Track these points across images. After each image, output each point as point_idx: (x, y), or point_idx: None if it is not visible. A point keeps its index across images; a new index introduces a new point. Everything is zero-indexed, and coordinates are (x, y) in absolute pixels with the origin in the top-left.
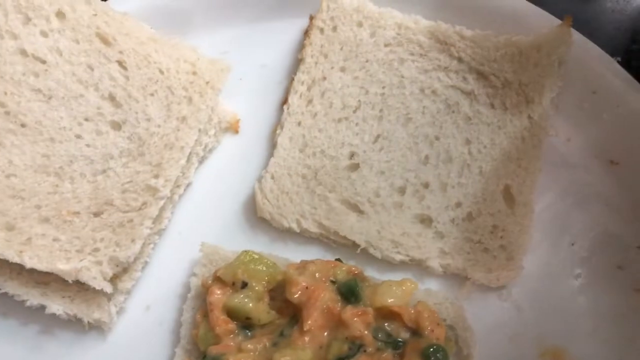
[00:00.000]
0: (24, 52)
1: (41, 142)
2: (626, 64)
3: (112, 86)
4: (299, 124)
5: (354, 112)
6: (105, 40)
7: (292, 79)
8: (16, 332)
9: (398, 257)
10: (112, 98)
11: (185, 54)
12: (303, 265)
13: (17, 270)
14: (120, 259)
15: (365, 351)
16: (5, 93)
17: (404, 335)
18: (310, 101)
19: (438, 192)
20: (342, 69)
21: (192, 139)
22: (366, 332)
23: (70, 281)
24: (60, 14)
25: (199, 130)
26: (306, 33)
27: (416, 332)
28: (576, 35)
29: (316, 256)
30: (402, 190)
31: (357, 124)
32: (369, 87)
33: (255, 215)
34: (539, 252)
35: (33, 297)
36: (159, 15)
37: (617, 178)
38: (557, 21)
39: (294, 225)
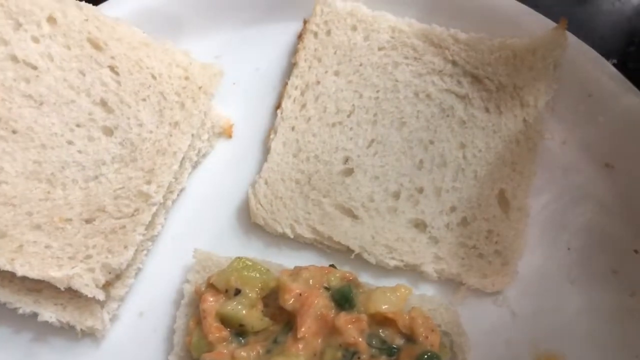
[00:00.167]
0: (14, 58)
1: (32, 148)
2: (622, 66)
3: (104, 92)
4: (293, 128)
5: (348, 116)
6: (96, 46)
7: (286, 83)
8: (9, 339)
9: (392, 263)
10: (104, 104)
11: (178, 58)
12: (297, 272)
13: (9, 278)
14: (113, 265)
15: (359, 358)
16: None
17: (399, 341)
18: (304, 105)
19: (432, 196)
20: (336, 73)
21: (184, 145)
22: (360, 338)
23: (62, 288)
24: (51, 20)
25: (192, 135)
26: (300, 37)
27: (410, 338)
28: (571, 38)
29: (310, 261)
30: (396, 195)
31: (351, 129)
32: (363, 91)
33: (249, 220)
34: (534, 256)
35: (25, 304)
36: (151, 20)
37: (613, 181)
38: (552, 24)
39: (288, 231)
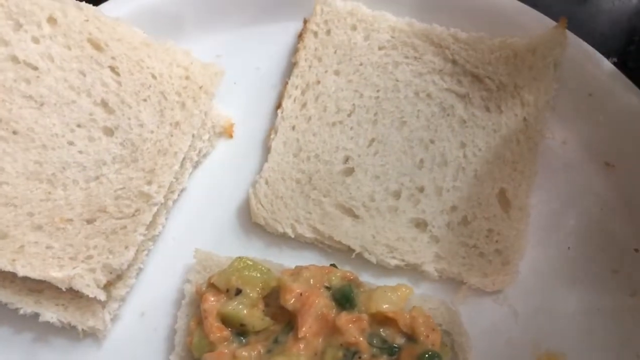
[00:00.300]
0: (15, 59)
1: (33, 149)
2: (622, 65)
3: (105, 92)
4: (293, 128)
5: (349, 116)
6: (97, 46)
7: (286, 83)
8: (10, 340)
9: (393, 262)
10: (104, 104)
11: (178, 58)
12: (297, 272)
13: (10, 278)
14: (114, 266)
15: (360, 357)
16: None
17: (399, 341)
18: (304, 105)
19: (433, 196)
20: (336, 73)
21: (185, 145)
22: (361, 338)
23: (63, 289)
24: (51, 20)
25: (193, 135)
26: (300, 37)
27: (411, 337)
28: (571, 37)
29: (311, 261)
30: (397, 195)
31: (351, 128)
32: (363, 90)
33: (249, 220)
34: (535, 256)
35: (26, 304)
36: (151, 20)
37: (613, 180)
38: (552, 23)
39: (289, 231)
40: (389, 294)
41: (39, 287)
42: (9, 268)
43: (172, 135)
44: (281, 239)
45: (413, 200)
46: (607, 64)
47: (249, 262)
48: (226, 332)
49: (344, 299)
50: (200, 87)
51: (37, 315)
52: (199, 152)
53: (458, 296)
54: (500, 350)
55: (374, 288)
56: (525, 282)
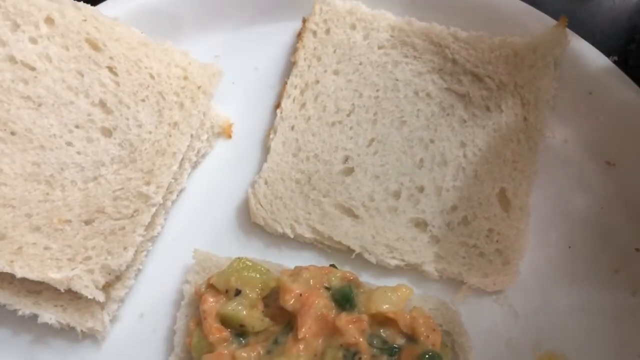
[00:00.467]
0: (12, 59)
1: (31, 150)
2: (623, 64)
3: (103, 92)
4: (292, 128)
5: (348, 115)
6: (95, 46)
7: (285, 83)
8: (9, 341)
9: (393, 262)
10: (102, 104)
11: (177, 58)
12: (297, 272)
13: (9, 280)
14: (113, 267)
15: (360, 358)
16: None
17: (400, 341)
18: (303, 105)
19: (433, 195)
20: (336, 72)
21: (184, 145)
22: (361, 338)
23: (62, 290)
24: (49, 20)
25: (191, 135)
26: (299, 36)
27: (412, 338)
28: (572, 36)
29: (311, 261)
30: (396, 194)
31: (351, 128)
32: (363, 90)
33: (249, 220)
34: (535, 255)
35: (25, 306)
36: (149, 20)
37: (614, 179)
38: (553, 21)
39: (288, 231)
40: (389, 294)
41: (37, 289)
42: (7, 269)
43: (170, 136)
44: (280, 239)
45: (413, 200)
46: (607, 63)
47: (248, 262)
48: (225, 333)
49: (344, 299)
50: (199, 88)
51: (35, 316)
52: (198, 152)
53: (458, 296)
54: (501, 350)
55: (374, 288)
56: (526, 282)
